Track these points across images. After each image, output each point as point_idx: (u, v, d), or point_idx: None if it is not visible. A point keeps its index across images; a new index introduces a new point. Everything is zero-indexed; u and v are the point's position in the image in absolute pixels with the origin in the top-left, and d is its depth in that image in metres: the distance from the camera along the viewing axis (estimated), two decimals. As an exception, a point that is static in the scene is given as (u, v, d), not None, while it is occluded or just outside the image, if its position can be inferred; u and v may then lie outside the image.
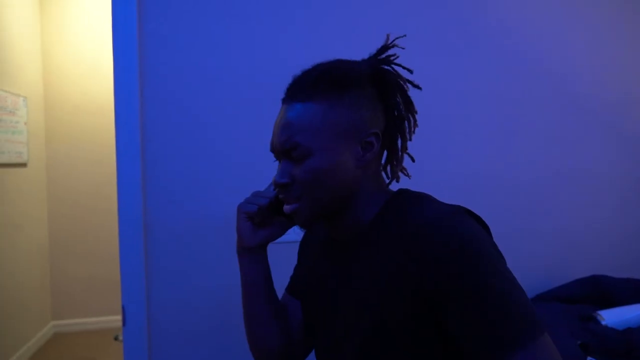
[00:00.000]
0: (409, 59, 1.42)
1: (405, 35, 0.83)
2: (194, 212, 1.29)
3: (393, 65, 0.73)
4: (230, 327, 1.33)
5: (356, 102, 0.68)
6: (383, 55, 0.72)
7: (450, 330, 0.62)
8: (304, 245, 0.91)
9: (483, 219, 1.25)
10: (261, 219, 0.79)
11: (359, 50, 1.38)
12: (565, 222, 1.56)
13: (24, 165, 2.77)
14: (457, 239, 0.61)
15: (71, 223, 3.18)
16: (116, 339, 3.20)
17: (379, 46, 0.89)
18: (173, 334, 1.30)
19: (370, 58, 0.73)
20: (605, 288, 1.40)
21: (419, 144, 1.44)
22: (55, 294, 3.18)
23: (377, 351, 0.68)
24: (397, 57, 0.71)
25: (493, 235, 1.48)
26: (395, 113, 0.72)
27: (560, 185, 1.55)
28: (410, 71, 0.73)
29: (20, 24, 2.73)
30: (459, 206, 0.68)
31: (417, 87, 0.73)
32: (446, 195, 1.46)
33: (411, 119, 0.73)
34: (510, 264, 1.50)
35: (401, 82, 0.71)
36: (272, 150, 0.73)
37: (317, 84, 0.68)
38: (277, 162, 1.32)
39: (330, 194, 0.69)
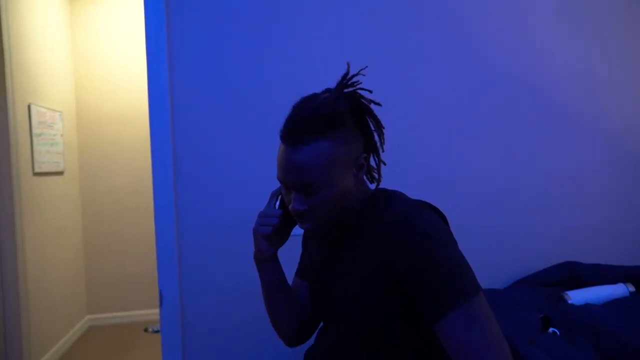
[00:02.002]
0: (404, 68, 1.63)
1: (367, 67, 1.01)
2: (220, 212, 1.53)
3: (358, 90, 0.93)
4: (252, 307, 1.55)
5: (347, 137, 0.86)
6: (350, 88, 0.92)
7: (412, 297, 0.85)
8: (306, 237, 1.14)
9: (486, 217, 1.45)
10: (275, 235, 1.00)
11: (360, 60, 1.60)
12: (547, 219, 1.75)
13: (61, 173, 3.06)
14: (418, 231, 0.84)
15: (103, 225, 3.47)
16: (146, 330, 3.47)
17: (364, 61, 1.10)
18: (202, 314, 1.54)
19: (337, 88, 0.90)
20: (577, 272, 1.59)
21: (416, 151, 1.64)
22: (90, 291, 3.46)
23: (359, 320, 0.90)
24: (360, 83, 0.89)
25: (485, 228, 1.68)
26: (370, 134, 0.94)
27: (546, 188, 1.74)
28: (370, 91, 0.93)
29: (53, 46, 3.01)
30: (421, 201, 0.91)
31: (378, 104, 0.94)
32: (442, 197, 1.66)
33: (382, 134, 0.95)
34: (496, 253, 1.70)
35: (370, 107, 0.92)
36: (284, 184, 0.88)
37: (315, 128, 0.83)
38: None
39: (338, 212, 0.90)
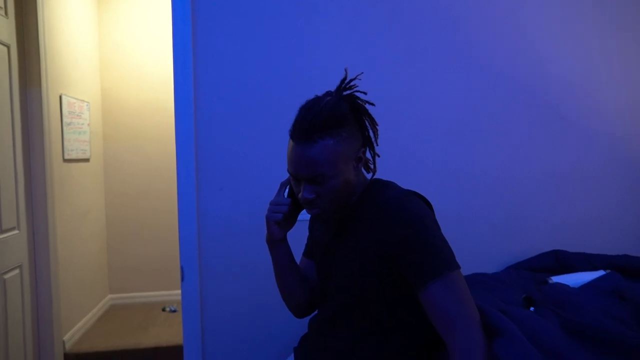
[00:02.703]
0: (410, 68, 1.77)
1: (362, 73, 1.14)
2: (237, 199, 1.69)
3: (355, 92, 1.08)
4: (265, 283, 1.72)
5: (348, 134, 1.02)
6: (348, 91, 1.05)
7: (401, 271, 1.00)
8: (313, 221, 1.30)
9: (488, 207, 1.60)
10: (285, 221, 1.16)
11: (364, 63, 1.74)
12: (537, 212, 1.88)
13: (87, 160, 3.26)
14: (406, 214, 1.00)
15: (124, 210, 3.67)
16: (163, 310, 3.66)
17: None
18: (219, 288, 1.71)
19: (337, 92, 1.04)
20: (563, 259, 1.72)
21: (416, 146, 1.79)
22: (112, 272, 3.68)
23: (356, 289, 1.06)
24: (357, 86, 1.05)
25: (480, 219, 1.82)
26: (366, 130, 1.08)
27: (538, 183, 1.87)
28: (365, 93, 1.07)
29: (81, 38, 3.20)
30: (410, 191, 1.07)
31: (372, 104, 1.08)
32: (441, 189, 1.81)
33: (376, 131, 1.09)
34: (490, 242, 1.84)
35: (365, 107, 1.07)
36: (295, 176, 1.02)
37: (323, 128, 0.97)
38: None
39: (342, 199, 1.06)
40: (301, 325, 1.74)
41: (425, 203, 1.10)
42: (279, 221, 1.14)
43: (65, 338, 2.80)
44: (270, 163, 1.71)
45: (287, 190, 1.17)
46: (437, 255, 0.97)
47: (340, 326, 1.11)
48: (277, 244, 1.18)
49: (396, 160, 1.77)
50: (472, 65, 1.81)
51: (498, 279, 1.49)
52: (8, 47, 2.32)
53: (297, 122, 1.00)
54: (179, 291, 3.77)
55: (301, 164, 0.99)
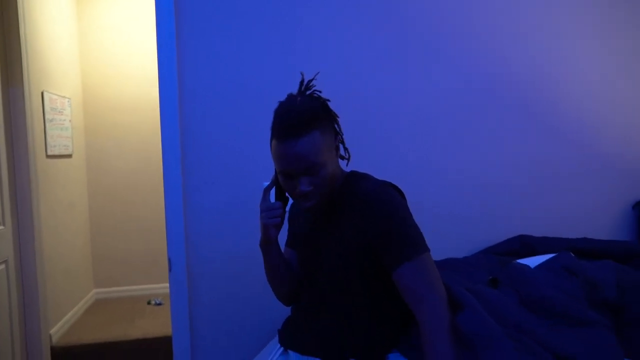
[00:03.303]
0: (386, 67, 1.86)
1: (319, 72, 1.21)
2: (223, 190, 1.77)
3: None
4: (249, 272, 1.80)
5: (326, 127, 1.11)
6: (309, 90, 1.14)
7: (378, 252, 1.10)
8: (293, 213, 1.39)
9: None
10: (281, 221, 1.21)
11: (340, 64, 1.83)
12: (506, 201, 2.00)
13: (69, 156, 3.28)
14: (386, 207, 1.10)
15: (108, 205, 3.70)
16: (149, 303, 3.71)
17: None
18: (206, 278, 1.79)
19: (301, 92, 1.13)
20: (528, 244, 1.85)
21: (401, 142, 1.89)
22: (96, 266, 3.71)
23: (340, 277, 1.16)
24: (315, 86, 1.15)
25: (453, 208, 1.93)
26: (334, 122, 1.17)
27: (506, 174, 1.99)
28: (320, 91, 1.16)
29: (61, 34, 3.21)
30: (385, 182, 1.17)
31: (328, 100, 1.16)
32: (416, 181, 1.91)
33: (338, 122, 1.18)
34: (461, 229, 1.96)
35: (325, 102, 1.16)
36: (289, 172, 1.08)
37: (308, 123, 1.05)
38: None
39: (331, 189, 1.15)
40: (285, 309, 1.83)
41: (399, 193, 1.20)
42: (278, 225, 1.21)
43: (52, 331, 2.84)
44: (254, 155, 1.79)
45: (272, 194, 1.24)
46: (411, 242, 1.08)
47: (324, 313, 1.20)
48: (271, 245, 1.25)
49: (375, 154, 1.87)
50: (444, 65, 1.92)
51: (467, 262, 1.61)
52: (-11, 44, 2.34)
53: (281, 122, 1.07)
54: (164, 284, 3.83)
55: (294, 158, 1.06)
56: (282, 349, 1.29)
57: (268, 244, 1.24)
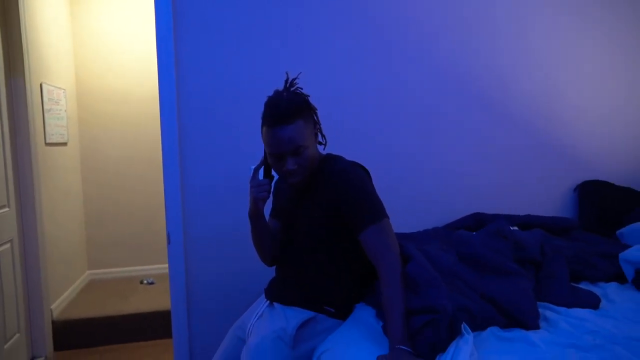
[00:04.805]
0: (359, 65, 2.12)
1: (301, 72, 1.47)
2: (217, 172, 2.01)
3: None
4: (239, 240, 2.06)
5: (308, 116, 1.38)
6: (292, 87, 1.40)
7: (346, 220, 1.37)
8: (277, 189, 1.64)
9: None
10: (268, 195, 1.45)
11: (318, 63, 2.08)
12: (462, 182, 2.29)
13: (65, 144, 3.47)
14: (350, 180, 1.36)
15: (101, 191, 3.90)
16: (141, 282, 3.93)
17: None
18: (201, 250, 2.03)
19: (286, 88, 1.39)
20: (481, 220, 2.14)
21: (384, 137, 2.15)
22: (90, 248, 3.92)
23: (314, 238, 1.43)
24: (297, 84, 1.40)
25: (414, 188, 2.20)
26: (314, 114, 1.43)
27: (462, 157, 2.28)
28: (301, 88, 1.42)
29: (56, 28, 3.38)
30: (354, 162, 1.44)
31: (308, 95, 1.42)
32: (384, 164, 2.18)
33: (317, 114, 1.44)
34: (424, 206, 2.24)
35: (307, 97, 1.41)
36: (279, 154, 1.33)
37: (294, 114, 1.31)
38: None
39: (312, 167, 1.40)
40: (270, 274, 2.10)
41: (365, 171, 1.46)
42: (266, 198, 1.47)
43: (52, 307, 3.06)
44: (241, 142, 2.04)
45: (261, 171, 1.49)
46: (373, 209, 1.35)
47: (302, 270, 1.47)
48: (258, 215, 1.50)
49: (348, 140, 2.13)
50: (410, 61, 2.18)
51: (425, 233, 1.89)
52: (-6, 39, 2.52)
53: (271, 112, 1.34)
54: (155, 265, 4.06)
55: (283, 141, 1.32)
56: (268, 302, 1.55)
57: (256, 214, 1.50)
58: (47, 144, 3.09)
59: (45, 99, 3.05)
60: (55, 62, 3.31)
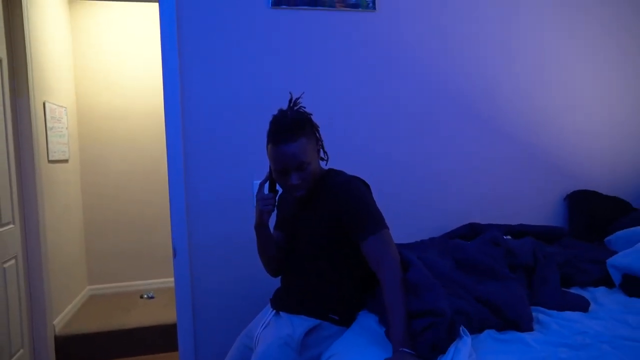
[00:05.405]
0: (351, 78, 2.21)
1: (303, 93, 1.57)
2: (220, 187, 2.09)
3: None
4: (244, 253, 2.12)
5: (311, 133, 1.47)
6: (296, 107, 1.50)
7: (348, 232, 1.44)
8: (281, 202, 1.72)
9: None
10: (273, 209, 1.55)
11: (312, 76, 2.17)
12: (458, 191, 2.38)
13: (66, 161, 3.53)
14: (351, 193, 1.44)
15: (101, 207, 3.95)
16: (141, 297, 3.97)
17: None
18: (207, 263, 2.10)
19: (290, 108, 1.48)
20: (476, 229, 2.22)
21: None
22: (90, 264, 3.95)
23: (317, 248, 1.50)
24: (300, 103, 1.50)
25: (412, 198, 2.29)
26: (316, 131, 1.52)
27: (459, 169, 2.37)
28: (304, 107, 1.52)
29: (58, 49, 3.46)
30: (355, 176, 1.52)
31: (311, 114, 1.51)
32: (382, 176, 2.26)
33: (319, 132, 1.53)
34: (419, 217, 2.32)
35: (309, 116, 1.50)
36: (284, 170, 1.43)
37: (297, 132, 1.41)
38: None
39: (314, 181, 1.49)
40: (275, 284, 2.16)
41: (365, 184, 1.55)
42: (271, 211, 1.55)
43: (55, 322, 3.09)
44: (245, 157, 2.12)
45: (267, 187, 1.58)
46: (373, 220, 1.43)
47: (307, 279, 1.54)
48: (264, 227, 1.59)
49: (348, 155, 2.22)
50: (400, 75, 2.28)
51: (422, 242, 1.97)
52: (0, 60, 2.59)
53: (277, 130, 1.43)
54: (155, 280, 4.10)
55: (288, 158, 1.42)
56: (274, 311, 1.62)
57: (261, 226, 1.58)
58: (49, 162, 3.15)
59: (48, 117, 3.12)
60: (57, 80, 3.38)
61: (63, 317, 3.26)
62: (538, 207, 2.53)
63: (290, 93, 1.51)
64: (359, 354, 1.28)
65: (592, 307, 1.48)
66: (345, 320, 1.51)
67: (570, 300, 1.47)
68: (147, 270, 4.08)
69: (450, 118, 2.36)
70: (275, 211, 1.73)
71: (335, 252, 1.50)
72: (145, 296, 3.81)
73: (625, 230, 2.11)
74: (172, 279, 4.13)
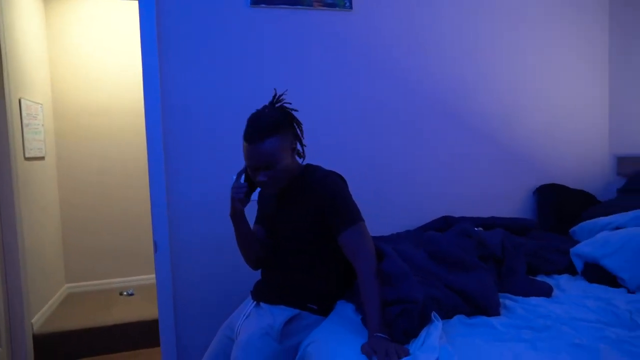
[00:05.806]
0: (329, 79, 2.27)
1: (287, 90, 1.62)
2: (199, 183, 2.12)
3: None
4: (224, 247, 2.16)
5: (286, 132, 1.51)
6: (279, 103, 1.55)
7: (327, 223, 1.50)
8: (262, 197, 1.77)
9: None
10: (245, 199, 1.60)
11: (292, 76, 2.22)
12: (431, 188, 2.46)
13: (42, 158, 3.49)
14: (329, 185, 1.50)
15: (78, 204, 3.92)
16: (121, 294, 3.97)
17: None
18: (188, 258, 2.13)
19: (271, 104, 1.53)
20: (449, 222, 2.31)
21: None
22: (67, 262, 3.92)
23: (300, 237, 1.55)
24: (284, 99, 1.54)
25: (387, 193, 2.36)
26: (295, 129, 1.57)
27: (433, 167, 2.45)
28: (290, 103, 1.57)
29: (33, 45, 3.42)
30: (332, 171, 1.58)
31: (296, 110, 1.57)
32: (360, 173, 2.33)
33: (301, 129, 1.58)
34: (396, 211, 2.40)
35: (292, 113, 1.56)
36: (253, 167, 1.47)
37: (269, 131, 1.44)
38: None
39: (286, 178, 1.53)
40: (255, 278, 2.21)
41: (341, 179, 1.61)
42: (242, 199, 1.59)
43: (33, 321, 3.06)
44: (225, 155, 2.15)
45: (242, 177, 1.62)
46: (350, 214, 1.49)
47: (287, 270, 1.60)
48: (239, 217, 1.62)
49: (326, 151, 2.28)
50: (380, 72, 2.35)
51: (398, 235, 2.05)
52: (-25, 56, 2.56)
53: (249, 129, 1.47)
54: (133, 277, 4.09)
55: (256, 157, 1.47)
56: (254, 302, 1.66)
57: (235, 214, 1.61)
58: (26, 159, 3.12)
59: (24, 114, 3.08)
60: (33, 77, 3.35)
61: (41, 315, 3.24)
62: (509, 201, 2.63)
63: (274, 89, 1.55)
64: (337, 341, 1.34)
65: (555, 292, 1.58)
66: (324, 310, 1.57)
67: (535, 287, 1.56)
68: (126, 267, 4.07)
69: (426, 116, 2.44)
70: (257, 206, 1.78)
71: (323, 246, 1.56)
72: (125, 293, 3.80)
73: (587, 221, 2.23)
74: (152, 276, 4.13)
